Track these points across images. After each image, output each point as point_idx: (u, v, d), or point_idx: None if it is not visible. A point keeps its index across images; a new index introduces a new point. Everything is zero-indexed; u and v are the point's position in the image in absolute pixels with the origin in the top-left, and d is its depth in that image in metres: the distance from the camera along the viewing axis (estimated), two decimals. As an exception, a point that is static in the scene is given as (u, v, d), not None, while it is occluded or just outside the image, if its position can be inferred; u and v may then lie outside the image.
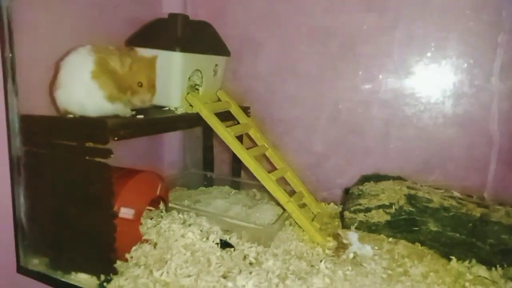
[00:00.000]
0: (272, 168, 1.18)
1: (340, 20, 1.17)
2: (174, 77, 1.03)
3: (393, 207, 1.00)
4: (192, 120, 1.06)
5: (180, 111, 1.05)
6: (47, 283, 0.87)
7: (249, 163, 1.03)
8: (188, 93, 1.07)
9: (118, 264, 0.84)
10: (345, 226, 1.06)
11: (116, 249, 0.81)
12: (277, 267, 0.85)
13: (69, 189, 0.83)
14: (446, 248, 0.94)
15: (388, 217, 1.00)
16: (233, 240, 0.96)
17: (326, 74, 1.21)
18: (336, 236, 1.02)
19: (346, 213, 1.06)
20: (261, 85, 1.31)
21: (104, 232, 0.80)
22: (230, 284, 0.78)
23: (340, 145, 1.24)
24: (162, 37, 1.03)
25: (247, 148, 1.08)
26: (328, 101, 1.22)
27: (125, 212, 0.85)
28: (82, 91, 0.83)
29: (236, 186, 1.34)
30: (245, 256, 0.90)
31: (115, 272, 0.82)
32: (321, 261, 0.88)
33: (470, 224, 0.93)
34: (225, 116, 1.16)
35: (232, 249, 0.92)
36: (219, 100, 1.21)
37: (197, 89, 1.14)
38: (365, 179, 1.15)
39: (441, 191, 1.05)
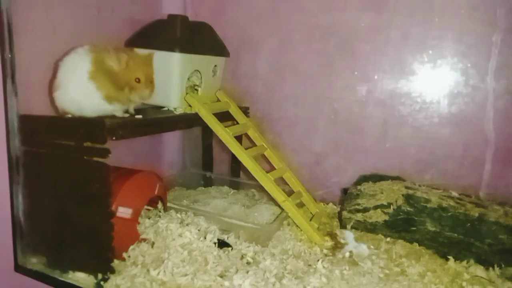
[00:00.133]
0: (271, 168, 1.18)
1: (338, 19, 1.17)
2: (173, 78, 1.04)
3: (391, 207, 1.00)
4: (191, 120, 1.07)
5: (179, 111, 1.05)
6: (45, 282, 0.87)
7: (248, 163, 1.04)
8: (187, 94, 1.08)
9: (116, 263, 0.85)
10: (344, 226, 1.06)
11: (113, 248, 0.82)
12: (274, 267, 0.85)
13: (67, 188, 0.84)
14: (444, 248, 0.94)
15: (386, 217, 1.00)
16: (231, 239, 0.96)
17: (325, 73, 1.22)
18: (333, 236, 1.02)
19: (344, 213, 1.06)
20: (260, 85, 1.31)
21: (102, 231, 0.81)
22: (226, 283, 0.78)
23: (338, 145, 1.24)
24: (162, 38, 1.03)
25: (246, 148, 1.09)
26: (326, 100, 1.23)
27: (123, 212, 0.86)
28: (80, 91, 0.84)
29: (235, 186, 1.34)
30: (242, 256, 0.90)
31: (113, 271, 0.83)
32: (318, 260, 0.88)
33: (468, 224, 0.92)
34: (224, 116, 1.17)
35: (230, 248, 0.92)
36: (218, 100, 1.22)
37: (196, 90, 1.15)
38: (363, 178, 1.15)
39: (439, 191, 1.05)
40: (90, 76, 0.83)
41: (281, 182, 1.17)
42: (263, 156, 1.21)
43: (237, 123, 1.20)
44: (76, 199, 0.83)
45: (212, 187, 1.35)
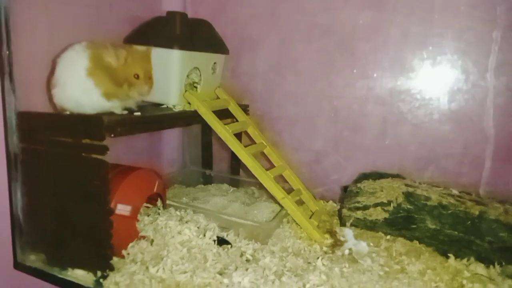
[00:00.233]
0: (271, 166, 1.18)
1: (338, 18, 1.16)
2: (172, 75, 1.04)
3: (391, 204, 0.99)
4: (190, 118, 1.06)
5: (178, 108, 1.05)
6: (44, 279, 0.87)
7: (247, 161, 1.03)
8: (186, 91, 1.07)
9: (115, 260, 0.85)
10: (343, 223, 1.06)
11: (112, 245, 0.81)
12: (273, 264, 0.85)
13: (66, 185, 0.84)
14: (444, 246, 0.94)
15: (386, 215, 1.00)
16: (230, 237, 0.96)
17: (324, 72, 1.21)
18: (333, 233, 1.01)
19: (344, 211, 1.06)
20: (259, 83, 1.31)
21: (101, 229, 0.81)
22: (225, 280, 0.78)
23: (338, 143, 1.24)
24: (161, 35, 1.03)
25: (246, 146, 1.08)
26: (326, 99, 1.22)
27: (122, 209, 0.86)
28: (78, 88, 0.83)
29: (235, 184, 1.34)
30: (242, 253, 0.90)
31: (112, 269, 0.82)
32: (318, 258, 0.88)
33: (469, 222, 0.92)
34: (224, 114, 1.16)
35: (229, 246, 0.92)
36: (217, 98, 1.21)
37: (196, 87, 1.14)
38: (363, 176, 1.15)
39: (439, 188, 1.04)
40: (88, 72, 0.83)
41: (280, 180, 1.17)
42: (263, 154, 1.20)
43: (237, 120, 1.20)
44: (74, 196, 0.83)
45: (212, 185, 1.35)
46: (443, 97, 1.08)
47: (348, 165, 1.23)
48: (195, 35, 1.09)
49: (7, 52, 0.83)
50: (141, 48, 0.90)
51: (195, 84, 1.14)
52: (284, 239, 0.98)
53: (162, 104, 1.06)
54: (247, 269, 0.82)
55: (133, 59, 0.86)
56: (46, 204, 0.87)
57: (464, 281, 0.82)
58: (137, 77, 0.87)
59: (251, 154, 1.05)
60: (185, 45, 1.03)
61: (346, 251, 0.92)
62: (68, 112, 0.86)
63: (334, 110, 1.22)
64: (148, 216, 0.95)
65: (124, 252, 0.87)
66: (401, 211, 0.98)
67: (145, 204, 0.96)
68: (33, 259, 0.91)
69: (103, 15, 1.07)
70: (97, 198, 0.80)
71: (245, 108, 1.26)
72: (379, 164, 1.18)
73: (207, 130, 1.34)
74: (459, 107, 1.07)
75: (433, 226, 0.95)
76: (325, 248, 0.95)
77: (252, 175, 1.04)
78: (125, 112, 0.90)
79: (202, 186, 1.35)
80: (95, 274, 0.83)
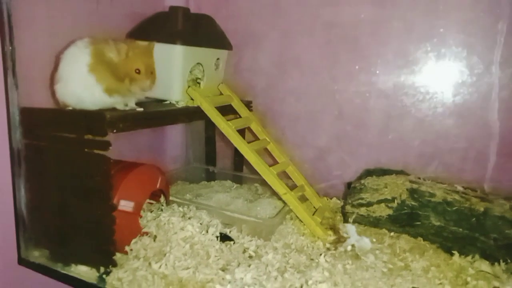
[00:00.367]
0: (274, 162, 1.17)
1: (341, 11, 1.15)
2: (175, 71, 1.03)
3: (395, 201, 0.99)
4: (192, 114, 1.06)
5: (181, 104, 1.05)
6: (48, 274, 0.88)
7: (250, 157, 1.03)
8: (189, 87, 1.07)
9: (118, 256, 0.85)
10: (347, 220, 1.05)
11: (115, 241, 0.82)
12: (276, 261, 0.84)
13: (68, 181, 0.84)
14: (448, 243, 0.93)
15: (390, 211, 0.99)
16: (233, 233, 0.96)
17: (327, 67, 1.20)
18: (336, 230, 1.01)
19: (348, 207, 1.05)
20: (262, 79, 1.30)
21: (104, 225, 0.81)
22: (228, 276, 0.77)
23: (342, 138, 1.23)
24: (163, 30, 1.02)
25: (249, 142, 1.08)
26: (329, 94, 1.21)
27: (125, 205, 0.86)
28: (80, 85, 0.83)
29: (238, 180, 1.34)
30: (244, 249, 0.90)
31: (115, 264, 0.83)
32: (321, 254, 0.87)
33: (473, 219, 0.91)
34: (227, 110, 1.16)
35: (232, 242, 0.92)
36: (220, 94, 1.21)
37: (199, 83, 1.14)
38: (367, 173, 1.14)
39: (444, 185, 1.03)
40: (90, 68, 0.82)
41: (284, 176, 1.17)
42: (266, 150, 1.20)
43: (240, 117, 1.19)
44: (77, 192, 0.83)
45: (215, 181, 1.35)
46: (447, 90, 1.06)
47: (352, 162, 1.22)
48: (198, 30, 1.08)
49: (10, 48, 0.83)
50: (142, 42, 0.89)
51: (198, 80, 1.14)
52: (287, 236, 0.98)
53: (165, 100, 1.06)
54: (249, 266, 0.81)
55: (134, 53, 0.85)
56: (49, 200, 0.87)
57: (469, 278, 0.81)
58: (138, 71, 0.86)
59: (254, 150, 1.04)
60: (188, 40, 1.02)
61: (349, 247, 0.92)
62: (70, 108, 0.86)
63: (337, 105, 1.21)
64: (151, 212, 0.95)
65: (127, 248, 0.87)
66: (405, 208, 0.98)
67: (148, 200, 0.96)
68: (37, 255, 0.91)
69: (104, 11, 1.07)
70: (99, 194, 0.80)
71: (248, 104, 1.26)
72: (383, 160, 1.17)
73: (210, 126, 1.34)
74: (463, 100, 1.06)
75: (438, 223, 0.94)
76: (328, 245, 0.95)
77: (255, 172, 1.04)
78: (127, 107, 0.90)
79: (205, 182, 1.34)
80: (98, 270, 0.83)
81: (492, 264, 0.87)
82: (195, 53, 1.06)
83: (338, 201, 1.22)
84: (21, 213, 0.89)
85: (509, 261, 0.86)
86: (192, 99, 1.06)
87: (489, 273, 0.84)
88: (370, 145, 1.19)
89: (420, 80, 1.10)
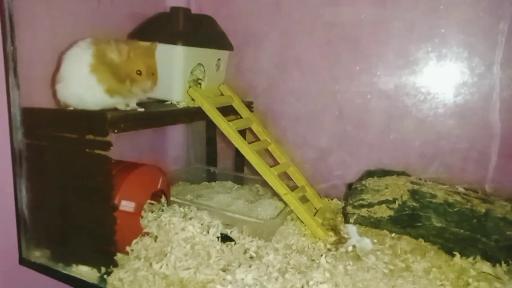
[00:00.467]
0: (275, 163, 1.17)
1: (342, 11, 1.15)
2: (176, 71, 1.03)
3: (397, 202, 0.99)
4: (193, 114, 1.06)
5: (182, 105, 1.05)
6: (49, 274, 0.88)
7: (251, 157, 1.03)
8: (190, 87, 1.07)
9: (119, 256, 0.85)
10: (348, 221, 1.05)
11: (116, 241, 0.82)
12: (277, 261, 0.84)
13: (70, 181, 0.84)
14: (449, 244, 0.93)
15: (391, 213, 0.99)
16: (234, 234, 0.96)
17: (328, 67, 1.20)
18: (337, 231, 1.01)
19: (349, 208, 1.05)
20: (263, 80, 1.30)
21: (105, 225, 0.81)
22: (229, 277, 0.77)
23: (343, 139, 1.23)
24: (164, 30, 1.02)
25: (250, 143, 1.08)
26: (330, 95, 1.21)
27: (126, 205, 0.86)
28: (82, 85, 0.83)
29: (239, 181, 1.34)
30: (245, 250, 0.90)
31: (116, 265, 0.83)
32: (322, 255, 0.87)
33: (475, 220, 0.91)
34: (228, 111, 1.16)
35: (233, 243, 0.92)
36: (221, 94, 1.21)
37: (200, 84, 1.14)
38: (368, 174, 1.14)
39: (445, 186, 1.03)
40: (92, 69, 0.82)
41: (285, 177, 1.17)
42: (267, 151, 1.20)
43: (241, 117, 1.19)
44: (78, 192, 0.83)
45: (216, 182, 1.35)
46: (448, 91, 1.06)
47: (353, 162, 1.22)
48: (199, 31, 1.09)
49: (12, 48, 0.83)
50: (144, 43, 0.89)
51: (199, 81, 1.14)
52: (288, 237, 0.98)
53: (166, 101, 1.06)
54: (250, 266, 0.81)
55: (136, 54, 0.85)
56: (50, 200, 0.87)
57: (470, 280, 0.81)
58: (139, 73, 0.85)
59: (255, 151, 1.04)
60: (189, 41, 1.02)
61: (350, 248, 0.91)
62: (71, 108, 0.86)
63: (338, 106, 1.21)
64: (152, 212, 0.95)
65: (128, 249, 0.87)
66: (406, 209, 0.98)
67: (149, 201, 0.96)
68: (38, 255, 0.91)
69: (105, 11, 1.07)
70: (100, 194, 0.80)
71: (249, 105, 1.26)
72: (384, 160, 1.17)
73: (211, 127, 1.34)
74: (464, 101, 1.05)
75: (439, 224, 0.94)
76: (329, 246, 0.95)
77: (256, 172, 1.04)
78: (129, 108, 0.90)
79: (206, 183, 1.34)
80: (99, 270, 0.83)
81: (494, 265, 0.87)
82: (196, 53, 1.06)
83: (339, 202, 1.22)
84: (22, 213, 0.89)
85: (510, 262, 0.86)
86: (193, 99, 1.06)
87: (490, 274, 0.83)
88: (371, 145, 1.19)
89: (421, 81, 1.09)
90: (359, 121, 1.19)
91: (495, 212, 0.91)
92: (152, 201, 1.00)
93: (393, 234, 0.99)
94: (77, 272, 0.85)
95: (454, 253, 0.90)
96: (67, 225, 0.86)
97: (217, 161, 1.40)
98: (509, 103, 1.01)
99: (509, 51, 0.99)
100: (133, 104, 0.91)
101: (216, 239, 0.90)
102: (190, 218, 0.95)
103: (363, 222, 1.03)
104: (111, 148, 0.77)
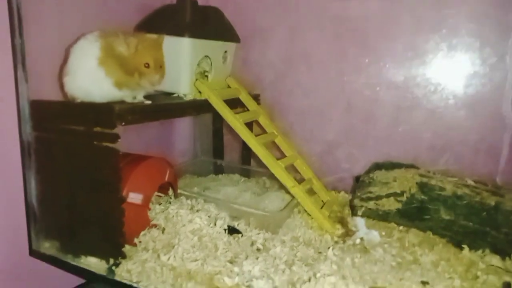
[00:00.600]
0: (282, 156, 1.17)
1: (349, 5, 1.14)
2: (183, 64, 1.03)
3: (405, 195, 0.98)
4: (200, 107, 1.06)
5: (189, 97, 1.05)
6: (58, 266, 0.89)
7: (258, 150, 1.03)
8: (196, 80, 1.07)
9: (127, 248, 0.86)
10: (355, 214, 1.05)
11: (124, 233, 0.82)
12: (284, 254, 0.84)
13: (78, 173, 0.84)
14: (458, 237, 0.92)
15: (399, 205, 0.98)
16: (241, 226, 0.96)
17: (336, 60, 1.19)
18: (344, 223, 1.01)
19: (356, 201, 1.04)
20: (271, 73, 1.30)
21: (113, 217, 0.81)
22: (236, 269, 0.78)
23: (350, 132, 1.22)
24: (171, 22, 1.02)
25: (257, 135, 1.08)
26: (338, 88, 1.21)
27: (134, 197, 0.86)
28: (89, 78, 0.83)
29: (246, 174, 1.34)
30: (252, 242, 0.90)
31: (124, 256, 0.83)
32: (329, 248, 0.87)
33: (484, 213, 0.90)
34: (235, 103, 1.16)
35: (240, 235, 0.92)
36: (228, 87, 1.20)
37: (207, 76, 1.14)
38: (376, 166, 1.13)
39: (454, 179, 1.02)
40: (100, 62, 0.82)
41: (292, 170, 1.16)
42: (274, 143, 1.20)
43: (248, 110, 1.19)
44: (86, 184, 0.84)
45: (223, 174, 1.35)
46: (459, 81, 1.05)
47: (360, 155, 1.21)
48: (206, 23, 1.08)
49: (20, 41, 0.83)
50: (152, 36, 0.88)
51: (206, 73, 1.13)
52: (295, 229, 0.98)
53: (173, 93, 1.06)
54: (257, 258, 0.82)
55: (143, 47, 0.84)
56: (59, 192, 0.88)
57: (479, 273, 0.80)
58: (147, 66, 0.85)
59: (262, 144, 1.04)
60: (196, 33, 1.02)
61: (358, 241, 0.91)
62: (79, 101, 0.86)
63: (346, 98, 1.20)
64: (159, 204, 0.96)
65: (136, 240, 0.87)
66: (414, 202, 0.97)
67: (156, 193, 0.97)
68: (47, 246, 0.92)
69: (113, 3, 1.07)
70: (108, 186, 0.81)
71: (256, 98, 1.25)
72: (392, 153, 1.15)
73: (218, 119, 1.34)
74: (475, 92, 1.04)
75: (447, 217, 0.93)
76: (336, 238, 0.94)
77: (263, 165, 1.04)
78: (136, 100, 0.90)
79: (213, 176, 1.35)
80: (107, 262, 0.84)
81: (503, 258, 0.86)
82: (203, 45, 1.06)
83: (346, 195, 1.22)
84: (31, 205, 0.90)
85: (520, 255, 0.85)
86: (200, 92, 1.06)
87: (499, 267, 0.83)
88: (379, 138, 1.18)
89: (431, 71, 1.08)
90: (367, 113, 1.18)
91: (505, 205, 0.90)
92: (160, 194, 1.00)
93: (401, 227, 0.99)
94: (85, 263, 0.86)
95: (463, 246, 0.89)
96: (75, 217, 0.87)
97: (224, 154, 1.40)
98: (522, 94, 1.00)
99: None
100: (140, 97, 0.91)
101: (223, 231, 0.91)
102: (197, 211, 0.95)
103: (370, 214, 1.02)
104: (119, 140, 0.77)
